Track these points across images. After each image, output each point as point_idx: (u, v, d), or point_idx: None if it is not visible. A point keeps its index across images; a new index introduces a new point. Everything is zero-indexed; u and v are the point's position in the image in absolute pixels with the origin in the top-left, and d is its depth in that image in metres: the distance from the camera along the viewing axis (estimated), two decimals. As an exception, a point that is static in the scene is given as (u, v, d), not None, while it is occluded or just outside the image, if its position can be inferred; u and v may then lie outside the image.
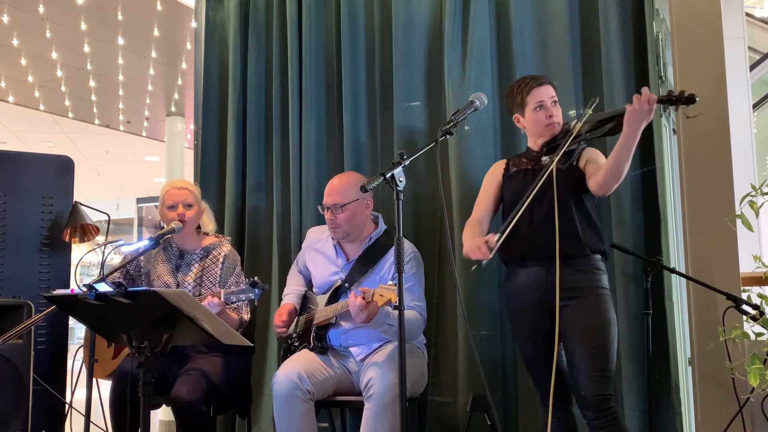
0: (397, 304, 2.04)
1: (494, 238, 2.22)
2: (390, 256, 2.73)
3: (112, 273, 2.82)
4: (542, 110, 2.40)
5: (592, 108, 2.32)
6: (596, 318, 2.26)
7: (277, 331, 2.78)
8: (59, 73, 6.57)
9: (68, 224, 3.23)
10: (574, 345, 2.26)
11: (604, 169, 2.24)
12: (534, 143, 2.49)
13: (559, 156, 2.29)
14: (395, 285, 2.23)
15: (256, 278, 2.63)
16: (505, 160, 2.61)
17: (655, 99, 2.12)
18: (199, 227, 3.01)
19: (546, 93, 2.42)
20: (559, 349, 2.33)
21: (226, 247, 2.96)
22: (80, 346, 3.03)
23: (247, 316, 2.85)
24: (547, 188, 2.31)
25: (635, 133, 2.15)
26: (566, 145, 2.30)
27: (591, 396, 2.21)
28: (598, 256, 2.36)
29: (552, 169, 2.29)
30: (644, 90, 2.12)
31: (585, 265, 2.31)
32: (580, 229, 2.32)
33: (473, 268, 2.25)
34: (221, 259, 2.91)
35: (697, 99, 2.05)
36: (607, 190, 2.26)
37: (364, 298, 2.40)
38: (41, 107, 7.63)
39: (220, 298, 2.60)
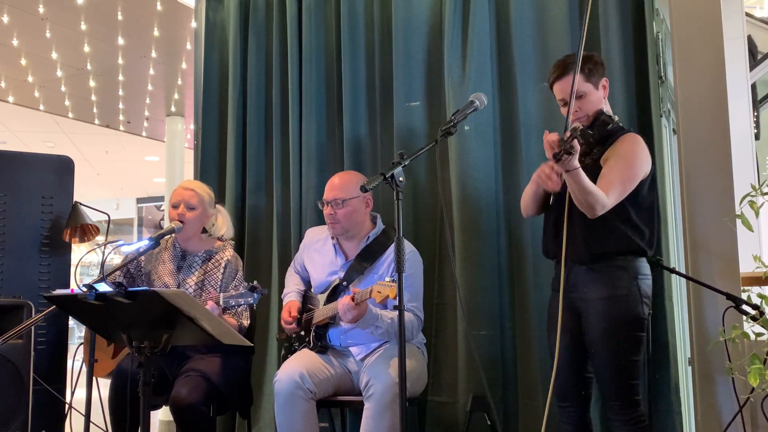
0: (394, 300, 2.04)
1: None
2: (388, 255, 2.73)
3: (112, 273, 2.81)
4: (564, 107, 2.28)
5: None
6: (607, 323, 2.17)
7: (286, 328, 2.77)
8: (59, 73, 6.56)
9: (68, 224, 3.23)
10: (593, 350, 2.21)
11: None
12: None
13: (560, 161, 2.03)
14: (393, 281, 2.23)
15: (255, 283, 2.60)
16: None
17: (554, 139, 1.97)
18: (204, 231, 3.00)
19: (562, 89, 2.27)
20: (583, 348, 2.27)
21: (228, 252, 2.94)
22: (80, 344, 3.03)
23: (246, 322, 2.83)
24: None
25: (567, 175, 2.01)
26: (563, 154, 2.03)
27: (609, 400, 2.19)
28: (629, 257, 2.19)
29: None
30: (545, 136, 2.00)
31: (604, 268, 2.18)
32: (597, 230, 2.16)
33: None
34: (223, 264, 2.89)
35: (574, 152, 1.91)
36: (591, 216, 2.10)
37: (353, 299, 2.40)
38: (41, 107, 7.62)
39: (219, 303, 2.59)
